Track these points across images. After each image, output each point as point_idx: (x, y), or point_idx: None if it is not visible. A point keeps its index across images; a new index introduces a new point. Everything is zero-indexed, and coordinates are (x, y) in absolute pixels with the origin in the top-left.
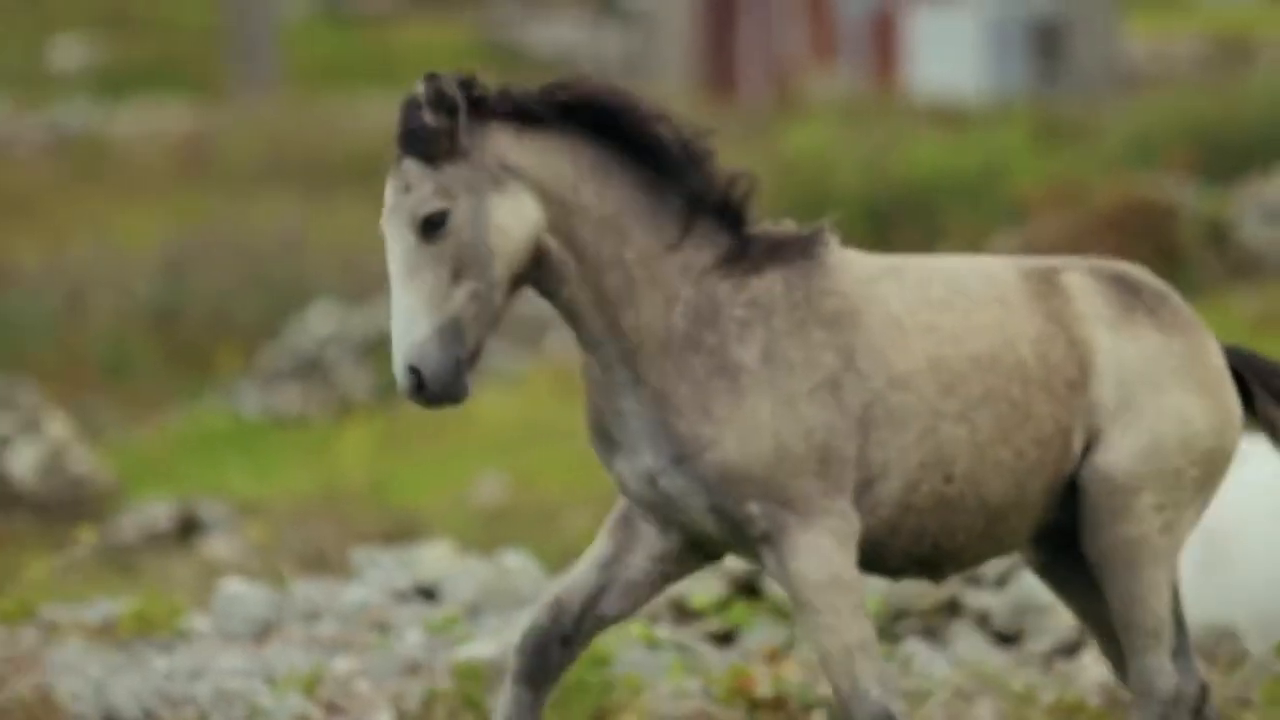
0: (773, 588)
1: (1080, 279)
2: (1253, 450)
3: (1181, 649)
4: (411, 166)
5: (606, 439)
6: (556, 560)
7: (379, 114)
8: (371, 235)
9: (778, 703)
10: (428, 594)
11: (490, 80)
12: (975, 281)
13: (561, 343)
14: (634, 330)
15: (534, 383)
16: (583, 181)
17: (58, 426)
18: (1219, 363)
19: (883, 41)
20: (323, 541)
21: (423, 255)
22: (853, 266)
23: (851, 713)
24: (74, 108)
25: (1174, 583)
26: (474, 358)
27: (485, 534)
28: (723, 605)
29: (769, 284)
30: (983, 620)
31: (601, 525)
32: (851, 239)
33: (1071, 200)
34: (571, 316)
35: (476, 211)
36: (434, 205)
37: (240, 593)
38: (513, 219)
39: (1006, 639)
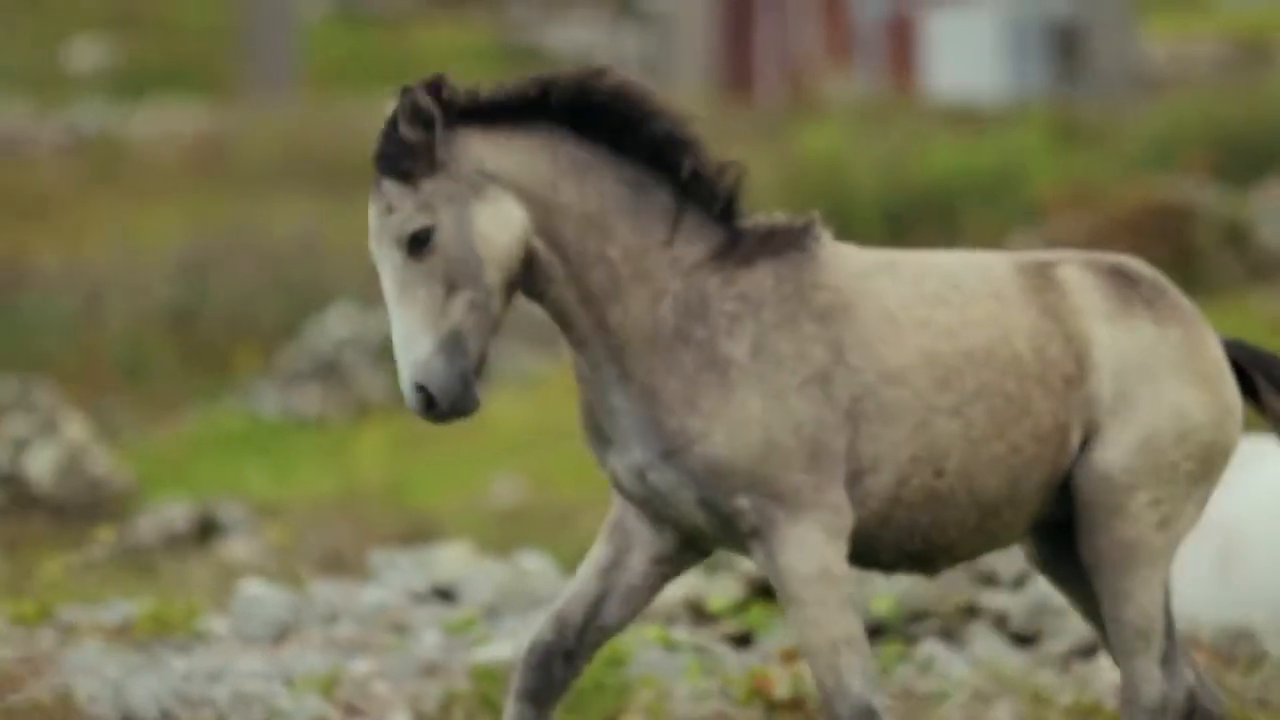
0: None
1: (1076, 273)
2: (1269, 451)
3: (1171, 655)
4: (391, 186)
5: (599, 436)
6: (573, 561)
7: None
8: None
9: (795, 704)
10: (445, 595)
11: (462, 83)
12: (970, 276)
13: None
14: (620, 327)
15: (549, 384)
16: (562, 179)
17: (76, 428)
18: (1218, 356)
19: (899, 43)
20: (340, 543)
21: (414, 273)
22: (846, 260)
23: (834, 707)
24: (90, 109)
25: (1167, 586)
26: (480, 367)
27: (502, 535)
28: (740, 607)
29: (759, 277)
30: (1000, 621)
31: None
32: (869, 240)
33: (1089, 202)
34: (559, 316)
35: (460, 222)
36: (418, 223)
37: (259, 594)
38: (497, 224)
39: (1024, 640)
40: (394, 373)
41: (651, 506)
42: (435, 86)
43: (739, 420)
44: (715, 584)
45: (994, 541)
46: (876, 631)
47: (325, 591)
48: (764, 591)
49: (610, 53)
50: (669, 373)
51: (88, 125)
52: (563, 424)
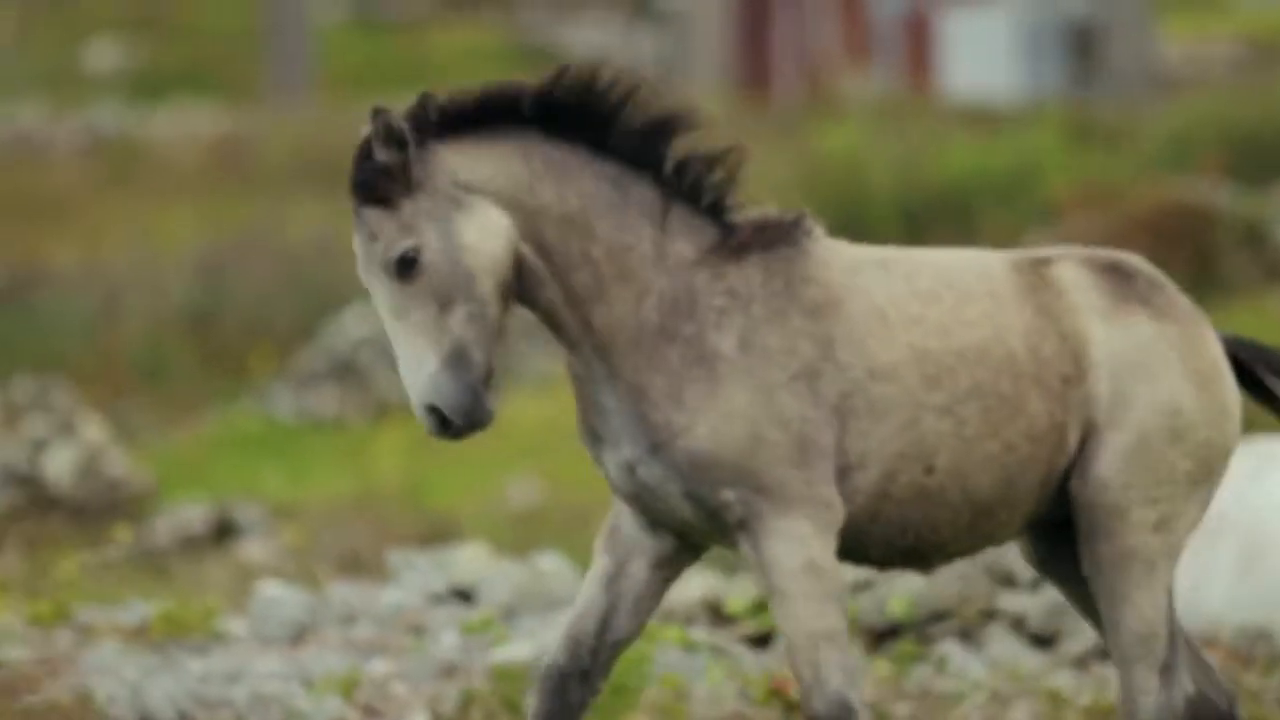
0: None
1: (1072, 270)
2: None
3: (1172, 662)
4: (371, 213)
5: (593, 435)
6: (590, 561)
7: None
8: None
9: None
10: (463, 596)
11: (432, 99)
12: (964, 274)
13: None
14: (605, 327)
15: (565, 385)
16: (538, 182)
17: (93, 429)
18: (1216, 354)
19: (916, 42)
20: (358, 544)
21: (407, 296)
22: (837, 256)
23: (811, 700)
24: (108, 110)
25: (1170, 592)
26: (488, 378)
27: (519, 536)
28: (758, 608)
29: (749, 272)
30: (1018, 623)
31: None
32: (885, 239)
33: (1105, 202)
34: (549, 319)
35: (445, 238)
36: (403, 246)
37: (277, 595)
38: (482, 234)
39: (1042, 641)
40: None
41: (641, 502)
42: (411, 109)
43: (724, 414)
44: (734, 585)
45: (988, 540)
46: (893, 632)
47: (343, 592)
48: None
49: (625, 53)
50: (654, 369)
51: (106, 126)
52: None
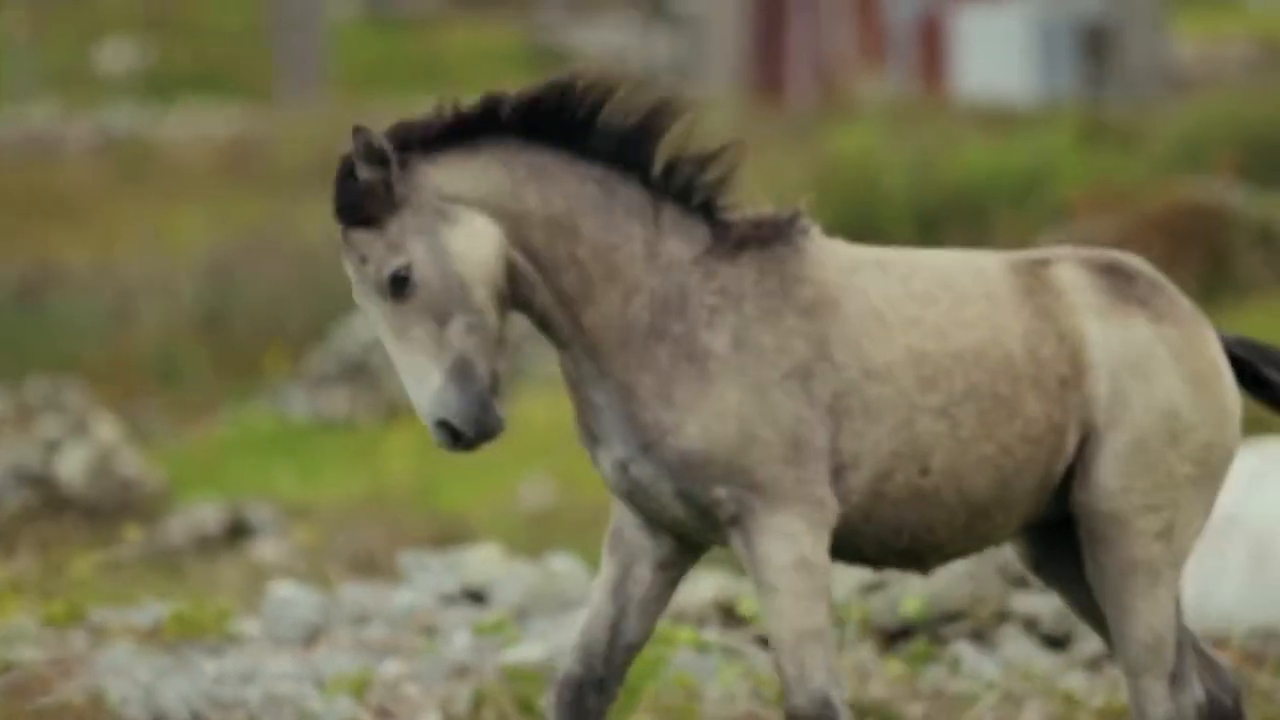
0: None
1: (1070, 271)
2: None
3: (1181, 669)
4: (358, 236)
5: (589, 435)
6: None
7: None
8: None
9: None
10: (475, 597)
11: (410, 117)
12: (962, 276)
13: None
14: (594, 326)
15: None
16: (522, 187)
17: (106, 429)
18: (1215, 355)
19: (930, 44)
20: (371, 545)
21: (403, 315)
22: (833, 256)
23: (794, 697)
24: (121, 110)
25: (1177, 599)
26: (494, 387)
27: (531, 537)
28: None
29: (742, 271)
30: (1031, 624)
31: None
32: (899, 241)
33: (1119, 203)
34: (542, 322)
35: (434, 251)
36: (394, 265)
37: (289, 596)
38: (470, 242)
39: (1055, 642)
40: None
41: (635, 500)
42: (394, 129)
43: (715, 412)
44: (746, 586)
45: (985, 541)
46: (906, 632)
47: (355, 593)
48: None
49: (641, 55)
50: (643, 368)
51: (118, 127)
52: None
